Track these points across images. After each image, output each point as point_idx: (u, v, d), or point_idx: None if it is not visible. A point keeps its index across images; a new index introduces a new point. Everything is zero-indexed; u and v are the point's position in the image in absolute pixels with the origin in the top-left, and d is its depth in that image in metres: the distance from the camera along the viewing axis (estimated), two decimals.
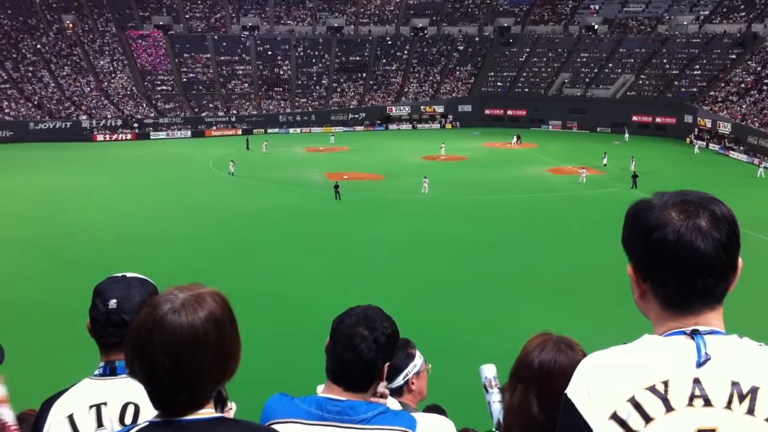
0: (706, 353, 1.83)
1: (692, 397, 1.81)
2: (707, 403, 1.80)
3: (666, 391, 1.82)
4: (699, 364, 1.83)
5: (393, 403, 3.27)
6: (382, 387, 3.15)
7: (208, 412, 2.14)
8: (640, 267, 1.98)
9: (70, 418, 2.95)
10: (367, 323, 2.90)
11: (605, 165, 57.89)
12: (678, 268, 1.89)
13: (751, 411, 1.78)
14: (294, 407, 2.82)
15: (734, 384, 1.80)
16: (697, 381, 1.81)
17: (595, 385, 1.89)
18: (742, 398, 1.79)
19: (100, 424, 2.93)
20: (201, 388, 2.11)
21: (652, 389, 1.82)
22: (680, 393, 1.81)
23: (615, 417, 1.84)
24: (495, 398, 3.36)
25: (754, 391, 1.79)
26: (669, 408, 1.81)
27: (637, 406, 1.82)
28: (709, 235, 1.86)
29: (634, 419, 1.82)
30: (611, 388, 1.86)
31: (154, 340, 2.02)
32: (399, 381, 3.89)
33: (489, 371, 3.45)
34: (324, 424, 2.78)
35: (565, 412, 1.95)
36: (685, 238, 1.86)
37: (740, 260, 1.94)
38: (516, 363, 2.89)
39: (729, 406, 1.78)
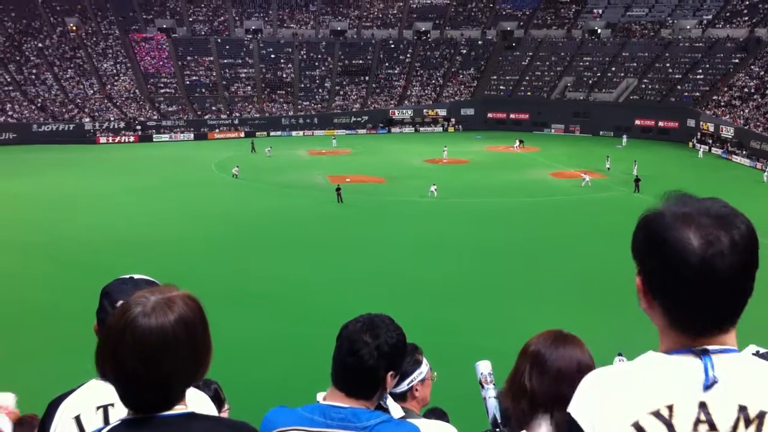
0: (713, 376, 1.77)
1: (697, 422, 1.76)
2: (712, 427, 1.75)
3: (670, 416, 1.77)
4: (705, 388, 1.77)
5: (395, 408, 3.27)
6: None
7: (180, 408, 2.17)
8: (651, 285, 1.88)
9: (77, 419, 2.94)
10: (372, 330, 2.89)
11: (609, 168, 57.90)
12: (695, 295, 1.79)
13: None
14: (296, 416, 2.83)
15: (742, 408, 1.74)
16: (702, 405, 1.76)
17: (599, 408, 1.85)
18: (748, 423, 1.74)
19: (107, 425, 2.93)
20: (172, 389, 2.15)
21: (657, 414, 1.78)
22: (685, 418, 1.76)
23: None
24: (490, 394, 3.38)
25: (762, 416, 1.74)
26: None
27: (641, 431, 1.79)
28: (730, 261, 1.76)
29: None
30: (615, 412, 1.82)
31: (124, 343, 2.06)
32: (403, 386, 3.89)
33: (484, 367, 3.47)
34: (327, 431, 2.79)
35: (570, 430, 1.92)
36: (706, 266, 1.76)
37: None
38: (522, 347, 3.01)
39: (735, 431, 1.74)
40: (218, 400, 4.43)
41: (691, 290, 1.79)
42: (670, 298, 1.84)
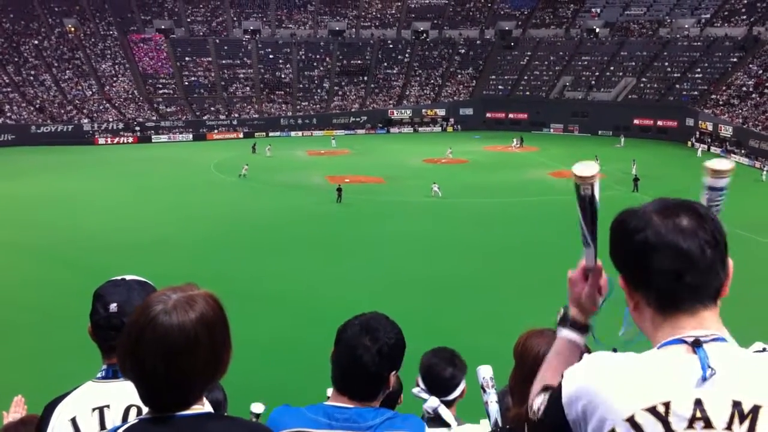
0: (710, 369, 1.78)
1: (693, 419, 1.77)
2: (708, 424, 1.76)
3: (667, 413, 1.78)
4: (703, 380, 1.78)
5: (450, 417, 3.29)
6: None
7: (197, 408, 2.17)
8: (629, 275, 1.96)
9: (73, 421, 2.93)
10: (371, 333, 2.87)
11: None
12: (664, 268, 1.85)
13: (751, 431, 1.74)
14: (301, 417, 2.82)
15: (736, 404, 1.76)
16: (698, 402, 1.77)
17: (592, 397, 1.86)
18: (743, 418, 1.75)
19: (102, 426, 2.92)
20: (191, 388, 2.14)
21: (653, 410, 1.79)
22: (681, 415, 1.77)
23: None
24: (492, 398, 3.38)
25: (755, 410, 1.75)
26: (669, 431, 1.78)
27: (636, 427, 1.79)
28: (690, 233, 1.85)
29: None
30: (609, 405, 1.82)
31: (145, 341, 2.05)
32: (456, 393, 3.88)
33: (486, 372, 3.47)
34: None
35: (552, 406, 1.95)
36: (667, 237, 1.85)
37: (730, 261, 1.90)
38: (515, 370, 2.94)
39: (729, 426, 1.75)
40: (217, 408, 4.39)
41: (661, 263, 1.86)
42: (647, 280, 1.90)
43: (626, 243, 1.92)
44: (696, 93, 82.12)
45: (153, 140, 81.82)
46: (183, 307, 2.08)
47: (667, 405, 1.78)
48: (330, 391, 3.00)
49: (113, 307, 3.05)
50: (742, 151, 67.18)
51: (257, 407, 4.60)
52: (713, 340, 1.84)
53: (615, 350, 1.99)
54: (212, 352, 2.12)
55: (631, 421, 1.79)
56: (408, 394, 4.26)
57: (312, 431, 2.77)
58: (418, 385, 3.93)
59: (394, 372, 2.90)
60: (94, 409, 2.94)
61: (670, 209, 1.90)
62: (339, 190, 46.27)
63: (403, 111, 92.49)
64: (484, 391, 3.41)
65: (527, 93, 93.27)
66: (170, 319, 2.05)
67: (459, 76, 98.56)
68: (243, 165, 57.10)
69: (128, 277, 3.23)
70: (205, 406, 2.21)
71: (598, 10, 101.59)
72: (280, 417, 2.84)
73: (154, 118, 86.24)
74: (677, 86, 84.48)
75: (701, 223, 1.86)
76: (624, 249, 1.94)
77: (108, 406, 2.94)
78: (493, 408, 3.36)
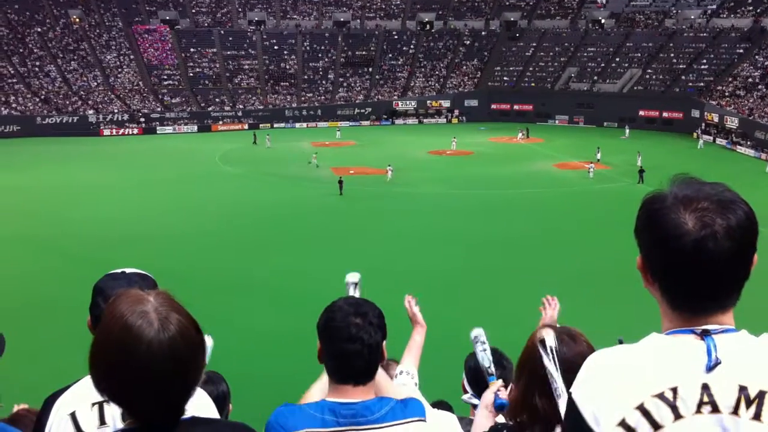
0: (716, 357, 1.80)
1: (700, 404, 1.79)
2: (715, 409, 1.78)
3: (674, 398, 1.80)
4: (708, 369, 1.80)
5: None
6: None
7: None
8: (650, 265, 1.93)
9: (73, 415, 2.91)
10: (356, 310, 2.92)
11: (599, 159, 57.52)
12: (690, 277, 1.85)
13: (757, 416, 1.76)
14: (307, 417, 2.78)
15: (742, 389, 1.78)
16: (705, 387, 1.79)
17: (602, 391, 1.87)
18: (749, 403, 1.77)
19: (102, 422, 2.89)
20: (188, 395, 2.07)
21: (661, 396, 1.80)
22: (689, 400, 1.79)
23: (623, 424, 1.83)
24: (484, 347, 3.50)
25: (761, 395, 1.77)
26: (678, 416, 1.79)
27: (646, 414, 1.81)
28: (723, 246, 1.81)
29: (642, 427, 1.81)
30: (619, 395, 1.84)
31: (135, 361, 1.95)
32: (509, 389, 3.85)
33: (478, 332, 3.72)
34: (342, 431, 2.76)
35: (570, 413, 1.94)
36: (699, 248, 1.81)
37: (755, 257, 1.89)
38: (522, 356, 2.95)
39: (736, 411, 1.77)
40: (224, 400, 4.38)
41: (685, 272, 1.85)
42: (666, 278, 1.90)
43: (656, 244, 1.89)
44: (702, 84, 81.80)
45: (158, 131, 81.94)
46: (164, 322, 1.96)
47: (674, 390, 1.80)
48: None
49: None
50: (748, 143, 66.91)
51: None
52: (723, 331, 1.86)
53: (621, 341, 2.00)
54: (200, 354, 2.06)
55: (641, 408, 1.81)
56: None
57: (321, 431, 2.75)
58: (466, 391, 3.86)
59: (384, 341, 2.95)
60: (93, 404, 2.91)
61: (707, 215, 1.83)
62: (340, 182, 46.26)
63: (408, 102, 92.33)
64: (476, 344, 3.49)
65: (532, 84, 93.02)
66: (161, 336, 1.95)
67: (464, 67, 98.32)
68: (312, 154, 57.30)
69: (128, 270, 3.20)
70: (188, 408, 2.12)
71: (604, 1, 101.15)
72: (284, 419, 2.77)
73: (159, 109, 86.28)
74: (683, 77, 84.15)
75: (733, 233, 1.82)
76: (652, 248, 1.91)
77: (107, 401, 2.91)
78: (485, 355, 3.45)
